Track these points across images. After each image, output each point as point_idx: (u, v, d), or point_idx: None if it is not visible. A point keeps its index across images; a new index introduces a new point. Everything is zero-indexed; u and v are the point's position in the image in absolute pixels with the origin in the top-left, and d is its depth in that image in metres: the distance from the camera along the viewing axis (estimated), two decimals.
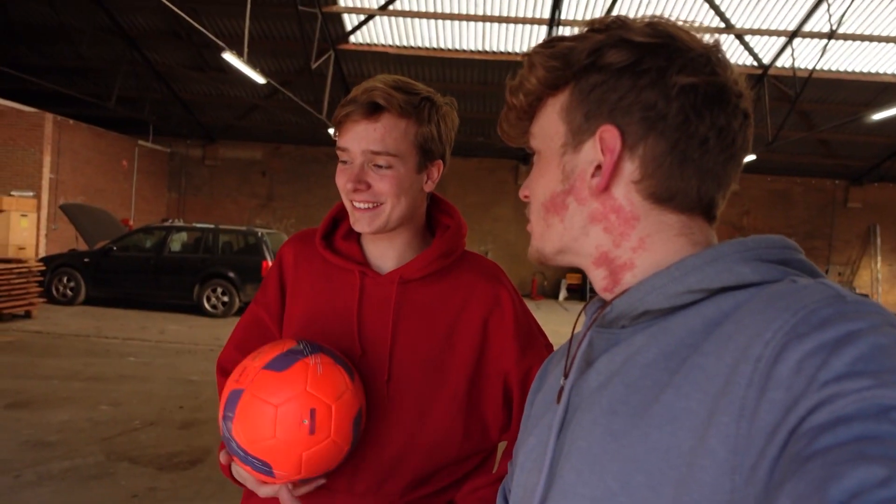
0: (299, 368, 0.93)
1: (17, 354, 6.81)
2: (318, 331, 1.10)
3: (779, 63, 12.56)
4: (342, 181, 1.06)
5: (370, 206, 1.05)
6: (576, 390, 0.61)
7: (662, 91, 0.57)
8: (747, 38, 12.14)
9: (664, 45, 0.58)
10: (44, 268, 9.59)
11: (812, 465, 0.37)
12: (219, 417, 0.98)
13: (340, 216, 1.17)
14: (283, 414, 0.90)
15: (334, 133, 1.09)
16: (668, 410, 0.49)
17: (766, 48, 12.43)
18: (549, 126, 0.63)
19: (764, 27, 11.70)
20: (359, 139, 1.04)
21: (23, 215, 11.90)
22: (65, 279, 10.56)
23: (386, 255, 1.13)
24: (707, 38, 0.60)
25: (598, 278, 0.64)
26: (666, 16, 0.61)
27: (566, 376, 0.63)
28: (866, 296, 0.50)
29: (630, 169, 0.59)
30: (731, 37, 12.12)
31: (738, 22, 11.67)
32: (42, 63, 13.95)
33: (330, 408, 0.92)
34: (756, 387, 0.44)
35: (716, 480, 0.44)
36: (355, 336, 1.08)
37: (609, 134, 0.58)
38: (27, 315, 9.00)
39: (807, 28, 11.40)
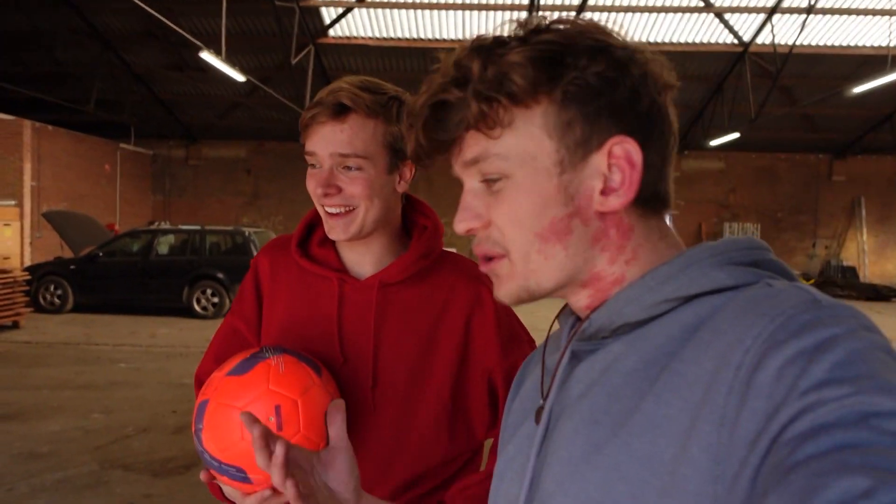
0: (261, 369, 0.93)
1: (6, 366, 6.75)
2: (298, 340, 1.08)
3: (759, 40, 12.59)
4: (312, 186, 1.04)
5: (343, 209, 1.03)
6: (557, 402, 0.59)
7: (653, 91, 0.56)
8: (727, 16, 12.15)
9: (631, 48, 0.56)
10: (29, 277, 9.51)
11: (795, 476, 0.37)
12: (192, 432, 0.96)
13: (315, 222, 1.15)
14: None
15: (301, 137, 1.07)
16: (648, 419, 0.49)
17: (745, 25, 12.45)
18: (528, 144, 0.55)
19: (743, 5, 11.71)
20: (326, 142, 1.02)
21: (6, 224, 11.77)
22: (51, 287, 10.46)
23: (363, 259, 1.11)
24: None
25: (581, 297, 0.60)
26: None
27: (545, 396, 0.61)
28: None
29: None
30: (711, 15, 12.12)
31: (717, 1, 11.67)
32: (17, 70, 13.73)
33: (296, 402, 0.91)
34: (737, 395, 0.44)
35: (698, 489, 0.44)
36: (336, 344, 1.07)
37: (626, 146, 0.54)
38: (15, 325, 8.92)
39: (785, 4, 11.42)
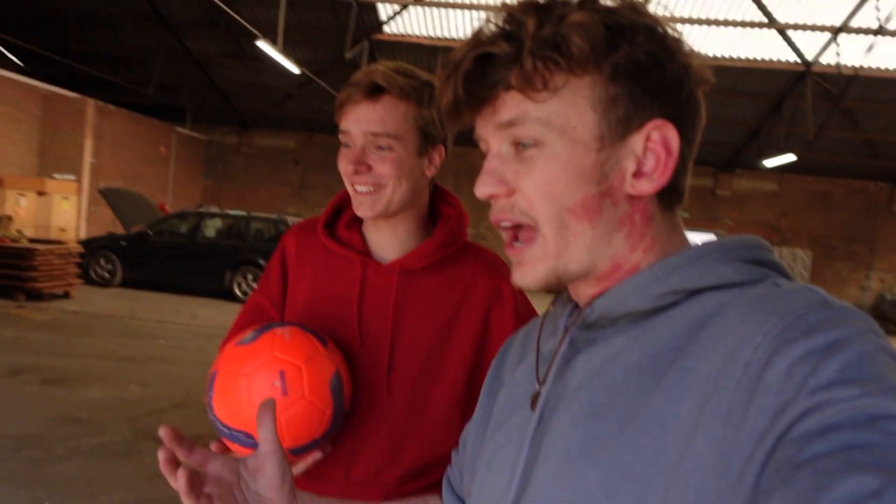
0: (267, 339, 0.96)
1: (55, 333, 7.03)
2: (319, 320, 1.10)
3: (823, 59, 12.18)
4: (343, 164, 1.07)
5: (371, 188, 1.06)
6: (553, 391, 0.58)
7: (692, 80, 0.55)
8: (790, 33, 11.80)
9: (679, 35, 0.56)
10: (83, 250, 9.87)
11: (802, 474, 0.37)
12: (205, 403, 1.00)
13: (343, 205, 1.18)
14: (254, 381, 0.93)
15: (336, 117, 1.10)
16: (657, 415, 0.48)
17: (809, 44, 12.07)
18: (571, 113, 0.53)
19: (808, 23, 11.35)
20: (359, 121, 1.05)
21: (64, 198, 12.26)
22: (102, 261, 10.85)
23: (388, 244, 1.13)
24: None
25: (590, 287, 0.58)
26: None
27: (542, 382, 0.60)
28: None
29: None
30: (773, 32, 11.79)
31: (781, 17, 11.35)
32: (86, 50, 14.32)
33: (300, 369, 0.93)
34: (745, 391, 0.43)
35: (701, 485, 0.43)
36: (355, 326, 1.09)
37: (666, 131, 0.54)
38: (66, 295, 9.29)
39: (853, 24, 11.03)
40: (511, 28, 0.54)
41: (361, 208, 1.07)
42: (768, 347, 0.44)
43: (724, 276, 0.52)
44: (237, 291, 10.59)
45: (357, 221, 1.17)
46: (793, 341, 0.43)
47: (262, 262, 10.49)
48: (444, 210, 1.18)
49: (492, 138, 0.58)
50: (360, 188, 1.06)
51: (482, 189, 0.57)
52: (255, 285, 10.42)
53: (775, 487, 0.38)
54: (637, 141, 0.54)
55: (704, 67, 0.57)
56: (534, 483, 0.55)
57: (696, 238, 0.58)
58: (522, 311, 1.13)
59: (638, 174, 0.55)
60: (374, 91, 1.04)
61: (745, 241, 0.55)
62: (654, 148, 0.54)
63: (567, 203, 0.54)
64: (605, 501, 0.49)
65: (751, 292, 0.50)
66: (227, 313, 9.48)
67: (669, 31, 0.55)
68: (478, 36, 0.55)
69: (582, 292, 0.60)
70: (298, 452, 0.98)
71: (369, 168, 1.05)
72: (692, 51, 0.56)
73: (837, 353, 0.41)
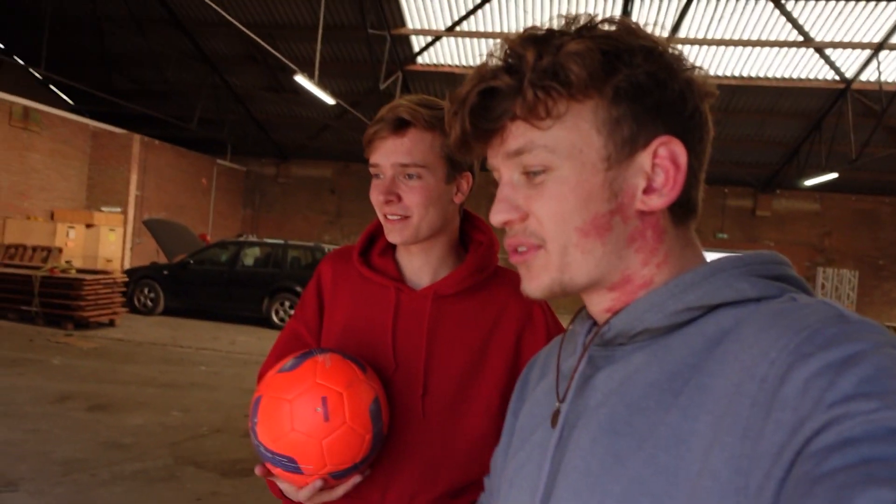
0: (308, 365, 0.99)
1: (101, 360, 7.24)
2: (354, 345, 1.13)
3: (863, 77, 11.93)
4: (375, 195, 1.11)
5: (399, 217, 1.09)
6: (572, 409, 0.59)
7: (692, 96, 0.56)
8: (828, 51, 11.61)
9: (678, 53, 0.57)
10: (127, 279, 10.18)
11: (821, 489, 0.37)
12: (249, 428, 1.03)
13: (377, 233, 1.21)
14: (297, 406, 0.95)
15: (365, 153, 1.14)
16: (674, 432, 0.48)
17: (848, 62, 11.85)
18: (576, 138, 0.55)
19: (846, 40, 11.16)
20: (387, 154, 1.09)
21: (111, 230, 12.72)
22: (146, 290, 11.16)
23: (421, 270, 1.16)
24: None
25: (604, 300, 0.59)
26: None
27: (562, 399, 0.60)
28: None
29: None
30: (811, 51, 11.62)
31: (818, 35, 11.19)
32: (131, 88, 14.96)
33: (341, 395, 0.95)
34: (761, 407, 0.43)
35: (721, 501, 0.43)
36: (390, 351, 1.11)
37: (672, 146, 0.55)
38: (111, 323, 9.56)
39: (893, 40, 10.80)
40: (512, 61, 0.56)
41: (392, 235, 1.11)
42: (784, 362, 0.44)
43: (741, 291, 0.52)
44: (274, 318, 10.75)
45: (390, 249, 1.20)
46: (809, 356, 0.43)
47: (298, 289, 10.65)
48: (475, 236, 1.21)
49: (502, 167, 0.60)
50: (390, 216, 1.10)
51: (497, 217, 0.60)
52: (292, 312, 10.63)
53: (794, 502, 0.38)
54: (645, 158, 0.55)
55: (707, 81, 0.58)
56: (554, 500, 0.56)
57: (710, 256, 0.58)
58: (554, 333, 1.13)
59: (648, 190, 0.56)
60: (400, 125, 1.08)
61: (762, 257, 0.55)
62: (662, 164, 0.55)
63: (577, 223, 0.56)
64: None
65: (767, 308, 0.50)
66: (264, 340, 9.62)
67: (669, 50, 0.56)
68: (481, 71, 0.58)
69: (595, 307, 0.61)
70: (339, 477, 1.00)
71: (399, 198, 1.08)
72: (694, 66, 0.57)
73: (854, 367, 0.41)
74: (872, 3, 10.13)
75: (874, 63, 11.30)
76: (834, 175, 12.81)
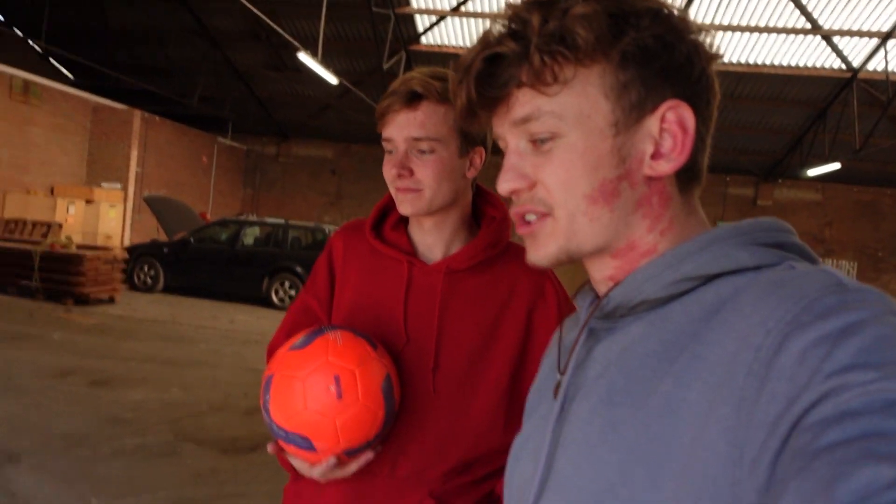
0: (320, 343, 0.98)
1: (101, 336, 7.27)
2: (365, 318, 1.13)
3: (870, 66, 11.85)
4: (387, 169, 1.10)
5: (412, 188, 1.09)
6: (573, 381, 0.59)
7: (699, 59, 0.55)
8: (835, 39, 11.51)
9: (685, 15, 0.56)
10: (127, 256, 10.18)
11: (818, 463, 0.36)
12: (260, 405, 1.03)
13: (389, 207, 1.21)
14: (309, 384, 0.95)
15: (378, 127, 1.13)
16: (668, 401, 0.48)
17: (855, 50, 11.75)
18: (584, 103, 0.55)
19: (854, 28, 11.06)
20: (400, 127, 1.08)
21: (111, 206, 12.69)
22: (146, 267, 11.17)
23: (434, 244, 1.16)
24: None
25: (607, 267, 0.59)
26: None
27: (563, 371, 0.61)
28: None
29: None
30: (818, 38, 11.52)
31: (826, 23, 11.08)
32: (133, 63, 14.83)
33: (353, 373, 0.96)
34: (756, 377, 0.42)
35: (716, 472, 0.43)
36: (401, 325, 1.11)
37: (681, 110, 0.54)
38: (111, 300, 9.58)
39: None
40: (517, 27, 0.55)
41: (403, 206, 1.10)
42: (780, 332, 0.43)
43: (739, 260, 0.51)
44: (274, 298, 10.77)
45: (402, 223, 1.20)
46: (806, 325, 0.42)
47: (299, 269, 10.66)
48: (487, 211, 1.20)
49: (509, 135, 0.59)
50: (403, 189, 1.09)
51: (504, 185, 0.59)
52: (292, 292, 10.65)
53: (791, 476, 0.37)
54: (652, 123, 0.55)
55: (714, 43, 0.57)
56: (555, 472, 0.56)
57: None
58: (565, 310, 1.14)
59: (656, 155, 0.55)
60: (413, 98, 1.07)
61: (762, 224, 0.54)
62: (669, 128, 0.55)
63: (586, 190, 0.55)
64: (621, 486, 0.49)
65: (765, 277, 0.49)
66: (263, 319, 9.65)
67: (675, 12, 0.55)
68: (486, 37, 0.56)
69: (598, 273, 0.60)
70: (353, 454, 1.01)
71: (411, 172, 1.08)
72: (700, 28, 0.56)
73: (853, 337, 0.40)
74: None
75: (881, 52, 11.21)
76: (837, 165, 12.77)
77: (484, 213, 1.21)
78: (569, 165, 0.55)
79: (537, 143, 0.57)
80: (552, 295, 1.14)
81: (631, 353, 0.54)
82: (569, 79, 0.54)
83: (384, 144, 1.11)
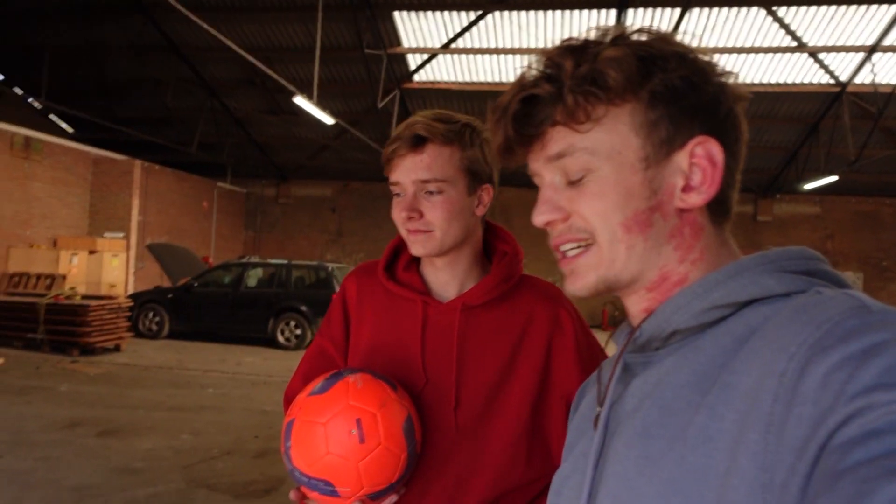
0: (340, 387, 0.98)
1: (108, 385, 7.22)
2: (383, 361, 1.13)
3: (858, 79, 12.01)
4: (397, 212, 1.11)
5: (423, 230, 1.09)
6: (612, 416, 0.60)
7: (726, 99, 0.59)
8: (821, 55, 11.69)
9: (710, 59, 0.60)
10: (132, 304, 10.17)
11: (844, 482, 0.37)
12: (281, 452, 1.03)
13: (401, 247, 1.21)
14: (331, 429, 0.95)
15: (385, 171, 1.15)
16: (702, 432, 0.49)
17: (843, 65, 11.93)
18: (615, 139, 0.58)
19: (839, 44, 11.24)
20: (407, 171, 1.09)
21: (114, 255, 12.73)
22: (151, 314, 11.15)
23: (447, 282, 1.16)
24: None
25: (642, 300, 0.61)
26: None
27: (601, 404, 0.62)
28: None
29: None
30: (805, 56, 11.71)
31: (811, 40, 11.27)
32: (132, 114, 15.06)
33: (375, 416, 0.95)
34: (782, 402, 0.43)
35: (747, 499, 0.43)
36: (419, 365, 1.11)
37: (709, 146, 0.57)
38: (117, 348, 9.54)
39: (887, 42, 10.88)
40: (551, 71, 0.59)
41: (416, 247, 1.11)
42: (803, 357, 0.43)
43: (767, 287, 0.53)
44: (280, 338, 10.73)
45: (415, 263, 1.20)
46: (829, 348, 0.43)
47: (303, 308, 10.64)
48: (498, 246, 1.20)
49: (544, 170, 0.62)
50: (413, 231, 1.10)
51: (539, 217, 0.62)
52: (297, 332, 10.61)
53: (818, 496, 0.38)
54: (682, 157, 0.58)
55: (740, 85, 0.60)
56: None
57: None
58: (582, 338, 1.14)
59: (687, 188, 0.58)
60: (418, 142, 1.08)
61: (790, 253, 0.55)
62: (699, 163, 0.58)
63: (620, 218, 0.58)
64: None
65: (792, 303, 0.50)
66: (270, 360, 9.59)
67: (700, 56, 0.59)
68: (521, 80, 0.61)
69: (634, 307, 0.62)
70: (376, 497, 1.00)
71: (421, 214, 1.09)
72: (725, 71, 0.60)
73: (875, 358, 0.41)
74: (864, 7, 10.22)
75: (868, 65, 11.37)
76: (834, 178, 12.83)
77: (495, 248, 1.21)
78: (602, 195, 0.58)
79: (571, 177, 0.60)
80: (568, 322, 1.13)
81: (665, 386, 0.54)
82: (600, 117, 0.58)
83: (392, 188, 1.12)
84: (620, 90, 0.56)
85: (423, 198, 1.09)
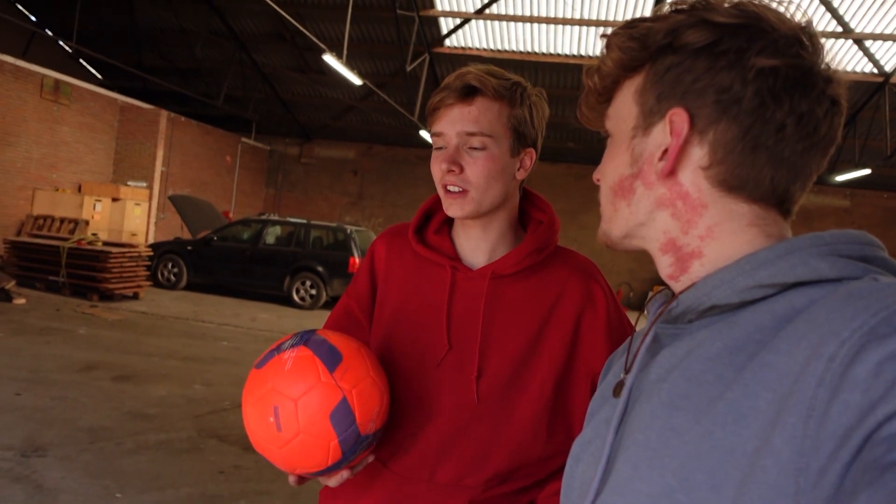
0: (271, 366, 0.95)
1: (125, 332, 7.35)
2: (407, 324, 1.11)
3: None
4: (436, 165, 1.07)
5: (460, 189, 1.05)
6: (636, 384, 0.59)
7: (740, 73, 0.54)
8: (867, 43, 11.29)
9: (747, 26, 0.55)
10: (151, 253, 10.31)
11: (890, 476, 0.35)
12: None
13: (433, 210, 1.18)
14: (251, 413, 0.94)
15: (428, 122, 1.10)
16: (733, 408, 0.47)
17: (888, 54, 11.51)
18: (623, 108, 0.62)
19: (887, 32, 10.84)
20: (454, 122, 1.04)
21: (136, 204, 12.85)
22: (169, 265, 11.30)
23: (478, 248, 1.12)
24: (798, 18, 0.57)
25: (664, 265, 0.62)
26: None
27: (627, 371, 0.62)
28: None
29: (699, 154, 0.57)
30: (850, 42, 11.31)
31: (858, 26, 10.87)
32: (161, 64, 15.05)
33: (295, 403, 0.91)
34: (828, 387, 0.41)
35: (779, 482, 0.42)
36: (444, 331, 1.08)
37: (678, 117, 0.57)
38: (135, 296, 9.71)
39: None
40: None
41: (452, 209, 1.07)
42: (856, 343, 0.41)
43: (818, 270, 0.50)
44: (295, 297, 10.83)
45: (446, 226, 1.17)
46: (885, 337, 0.40)
47: (320, 268, 10.71)
48: (535, 215, 1.17)
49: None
50: (451, 188, 1.06)
51: (593, 175, 0.69)
52: (313, 291, 10.70)
53: (861, 488, 0.37)
54: (663, 127, 0.59)
55: (763, 54, 0.56)
56: (615, 474, 0.56)
57: None
58: (614, 316, 1.10)
59: (663, 157, 0.59)
60: (468, 93, 1.04)
61: (847, 236, 0.52)
62: (672, 134, 0.58)
63: (610, 183, 0.64)
64: (680, 491, 0.48)
65: (844, 288, 0.47)
66: (284, 317, 9.70)
67: (719, 20, 0.59)
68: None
69: (662, 271, 0.63)
70: (321, 474, 0.97)
71: (462, 169, 1.05)
72: (757, 35, 0.57)
73: None
74: None
75: None
76: (867, 171, 12.51)
77: (531, 216, 1.17)
78: (608, 160, 0.65)
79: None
80: (601, 300, 1.10)
81: (694, 358, 0.53)
82: (617, 89, 0.65)
83: (434, 140, 1.08)
84: (616, 73, 0.63)
85: (466, 152, 1.05)
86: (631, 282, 16.49)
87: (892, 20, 10.54)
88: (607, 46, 0.62)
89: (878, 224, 16.09)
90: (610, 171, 0.63)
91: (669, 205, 0.59)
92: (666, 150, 0.58)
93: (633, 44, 0.59)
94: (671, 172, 0.58)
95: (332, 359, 0.94)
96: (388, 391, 1.00)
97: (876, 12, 10.45)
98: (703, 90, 0.56)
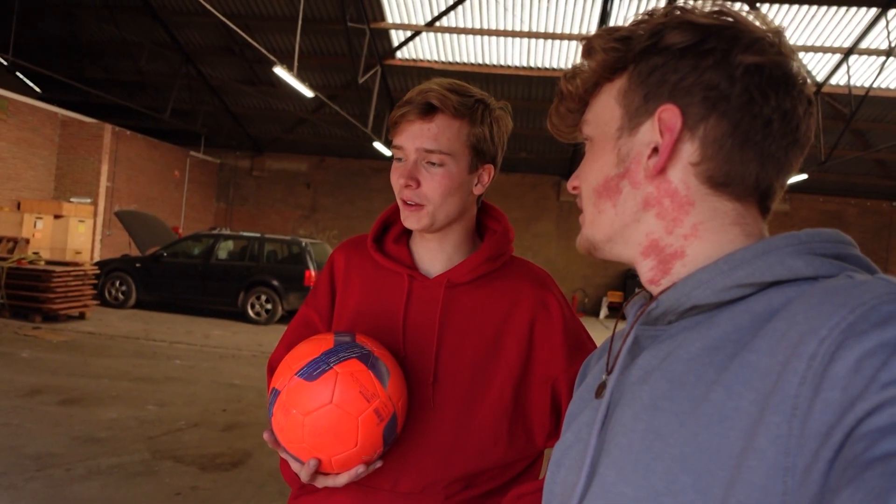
0: (326, 379, 0.95)
1: (72, 353, 7.07)
2: (364, 329, 1.11)
3: (833, 81, 12.22)
4: (395, 177, 1.09)
5: (416, 204, 1.08)
6: (617, 386, 0.59)
7: (726, 71, 0.55)
8: (801, 55, 11.81)
9: (729, 27, 0.57)
10: (98, 271, 9.94)
11: (871, 473, 0.36)
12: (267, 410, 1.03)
13: (391, 220, 1.20)
14: (309, 425, 0.95)
15: (390, 133, 1.13)
16: (717, 410, 0.47)
17: (819, 65, 12.12)
18: (605, 111, 0.62)
19: (818, 44, 11.42)
20: (413, 137, 1.07)
21: (80, 221, 12.41)
22: (117, 283, 10.93)
23: (435, 258, 1.15)
24: (770, 24, 0.59)
25: (645, 269, 0.61)
26: None
27: (609, 373, 0.61)
28: None
29: (689, 150, 0.57)
30: None
31: (791, 38, 11.37)
32: (104, 77, 14.60)
33: (356, 420, 0.94)
34: (810, 385, 0.42)
35: (766, 482, 0.42)
36: (399, 338, 1.10)
37: (669, 113, 0.57)
38: (81, 316, 9.34)
39: (864, 45, 11.08)
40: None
41: (409, 220, 1.09)
42: (835, 340, 0.42)
43: (794, 269, 0.51)
44: (250, 312, 10.62)
45: (405, 236, 1.19)
46: (863, 333, 0.41)
47: (275, 283, 10.53)
48: (489, 224, 1.20)
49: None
50: (408, 201, 1.08)
51: (568, 183, 0.69)
52: (268, 306, 10.51)
53: (843, 485, 0.37)
54: (651, 125, 0.59)
55: (749, 51, 0.57)
56: (599, 478, 0.56)
57: None
58: (570, 323, 1.13)
59: (652, 156, 0.59)
60: (428, 110, 1.06)
61: (821, 235, 0.54)
62: (662, 130, 0.58)
63: (594, 184, 0.63)
64: (666, 494, 0.48)
65: (821, 286, 0.48)
66: (239, 334, 9.50)
67: (701, 21, 0.60)
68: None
69: (642, 277, 0.63)
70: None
71: (419, 184, 1.07)
72: (740, 35, 0.58)
73: None
74: (844, 8, 10.37)
75: (844, 67, 11.58)
76: (804, 176, 13.11)
77: (486, 226, 1.20)
78: (589, 164, 0.64)
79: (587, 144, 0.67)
80: (555, 306, 1.13)
81: (674, 358, 0.53)
82: (595, 93, 0.64)
83: (394, 151, 1.10)
84: (598, 76, 0.63)
85: (424, 167, 1.07)
86: (585, 287, 16.78)
87: (821, 32, 11.11)
88: (589, 50, 0.62)
89: (814, 226, 16.42)
90: (593, 174, 0.63)
91: (656, 203, 0.59)
92: (656, 148, 0.58)
93: (618, 45, 0.59)
94: (661, 170, 0.58)
95: (380, 372, 0.98)
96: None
97: (807, 25, 11.00)
98: (689, 88, 0.56)
